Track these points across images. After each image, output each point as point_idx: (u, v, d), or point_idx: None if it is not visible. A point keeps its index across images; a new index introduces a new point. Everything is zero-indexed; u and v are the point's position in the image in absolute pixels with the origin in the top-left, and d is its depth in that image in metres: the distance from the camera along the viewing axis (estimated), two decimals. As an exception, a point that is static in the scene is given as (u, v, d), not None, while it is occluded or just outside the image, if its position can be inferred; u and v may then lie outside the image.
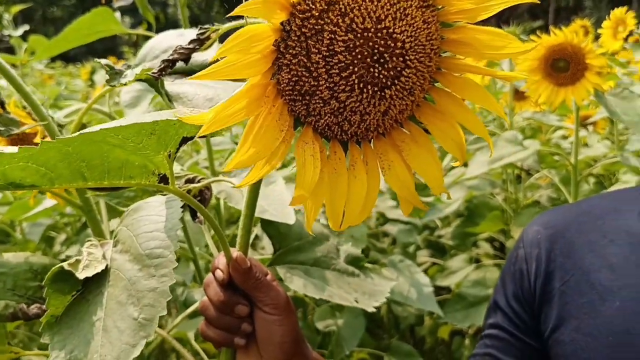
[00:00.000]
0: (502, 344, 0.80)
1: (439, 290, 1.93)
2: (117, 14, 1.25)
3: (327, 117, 0.41)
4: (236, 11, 0.34)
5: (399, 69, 0.40)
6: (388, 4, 0.38)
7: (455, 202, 1.77)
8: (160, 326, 0.53)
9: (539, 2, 0.41)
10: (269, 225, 0.85)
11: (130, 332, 0.46)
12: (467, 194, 1.79)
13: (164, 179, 0.46)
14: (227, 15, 0.35)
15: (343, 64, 0.39)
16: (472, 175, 1.58)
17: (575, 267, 0.74)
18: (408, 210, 0.46)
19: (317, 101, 0.40)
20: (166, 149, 0.42)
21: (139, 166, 0.42)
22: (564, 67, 1.40)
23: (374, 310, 0.84)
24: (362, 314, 1.52)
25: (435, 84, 0.45)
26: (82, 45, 1.29)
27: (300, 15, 0.38)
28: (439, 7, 0.42)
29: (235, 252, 0.62)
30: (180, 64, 0.49)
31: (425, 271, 1.96)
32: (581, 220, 0.79)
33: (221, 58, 0.35)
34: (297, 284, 0.79)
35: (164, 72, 0.48)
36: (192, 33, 0.48)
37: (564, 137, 2.33)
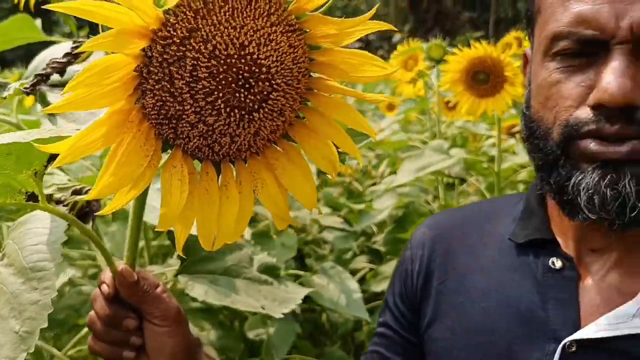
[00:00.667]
0: (389, 341, 0.83)
1: (376, 295, 1.97)
2: (38, 21, 1.23)
3: (196, 139, 0.42)
4: (85, 47, 0.34)
5: (265, 92, 0.42)
6: (252, 30, 0.40)
7: (386, 210, 1.81)
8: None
9: (394, 28, 0.44)
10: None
11: (10, 345, 0.46)
12: (398, 201, 1.82)
13: (34, 197, 0.46)
14: (77, 50, 0.35)
15: (208, 89, 0.40)
16: (401, 183, 1.62)
17: (452, 269, 0.78)
18: (282, 226, 0.48)
19: (185, 125, 0.41)
20: (29, 167, 0.42)
21: (2, 185, 0.42)
22: (484, 79, 1.45)
23: (282, 316, 0.86)
24: (294, 322, 1.53)
25: (307, 104, 0.47)
26: (20, 49, 1.26)
27: (162, 42, 0.39)
28: (306, 30, 0.43)
29: (120, 266, 0.62)
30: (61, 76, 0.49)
31: (363, 277, 1.99)
32: (463, 224, 0.83)
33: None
34: (198, 291, 0.80)
35: (36, 86, 0.47)
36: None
37: (494, 145, 2.41)
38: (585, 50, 0.59)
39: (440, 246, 0.81)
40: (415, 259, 0.82)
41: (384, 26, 0.42)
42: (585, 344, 0.63)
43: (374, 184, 2.37)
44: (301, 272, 1.55)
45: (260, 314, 1.56)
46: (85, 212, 0.57)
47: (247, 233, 1.68)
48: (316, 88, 0.46)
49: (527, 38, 0.73)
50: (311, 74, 0.46)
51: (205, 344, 0.93)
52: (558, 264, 0.68)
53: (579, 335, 0.63)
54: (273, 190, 0.47)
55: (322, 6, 0.42)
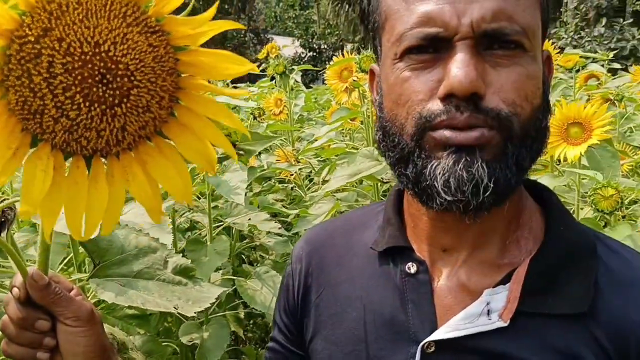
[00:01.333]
0: (278, 356, 0.86)
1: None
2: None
3: (61, 134, 0.44)
4: None
5: (125, 88, 0.44)
6: (106, 30, 0.43)
7: (322, 215, 1.84)
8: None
9: (243, 26, 0.47)
10: (88, 241, 0.87)
11: None
12: (335, 206, 1.86)
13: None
14: None
15: (65, 85, 0.42)
16: (333, 188, 1.67)
17: (326, 281, 0.80)
18: (157, 219, 0.50)
19: (48, 119, 0.44)
20: None
21: None
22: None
23: (195, 315, 0.87)
24: (227, 325, 1.55)
25: (180, 102, 0.50)
26: None
27: (18, 41, 0.41)
28: (167, 32, 0.46)
29: (31, 270, 0.63)
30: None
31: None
32: (335, 236, 0.85)
33: None
34: (108, 294, 0.81)
35: None
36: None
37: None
38: (431, 47, 0.63)
39: (315, 260, 0.83)
40: (295, 274, 0.84)
41: (234, 25, 0.46)
42: (442, 344, 0.66)
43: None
44: (234, 277, 1.58)
45: (193, 319, 1.58)
46: (1, 221, 0.59)
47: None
48: (186, 87, 0.49)
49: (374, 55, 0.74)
50: (181, 73, 0.48)
51: (132, 349, 0.94)
52: (413, 268, 0.72)
53: (434, 336, 0.66)
54: (143, 184, 0.49)
55: (205, 10, 0.45)
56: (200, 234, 1.88)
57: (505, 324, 0.63)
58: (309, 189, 2.52)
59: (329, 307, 0.78)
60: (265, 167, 2.30)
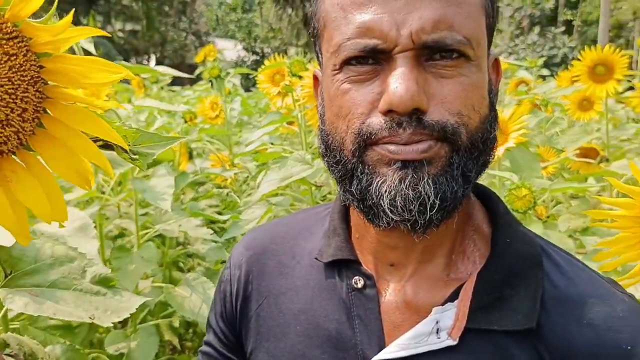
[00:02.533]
0: None
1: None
2: None
3: None
4: None
5: (-21, 100, 0.41)
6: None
7: (254, 220, 1.84)
8: None
9: (107, 33, 0.46)
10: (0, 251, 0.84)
11: None
12: (268, 210, 1.86)
13: None
14: None
15: None
16: (266, 193, 1.67)
17: (268, 291, 0.77)
18: (24, 242, 0.46)
19: None
20: None
21: None
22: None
23: (111, 325, 0.86)
24: (157, 334, 1.52)
25: (49, 113, 0.46)
26: None
27: None
28: (29, 37, 0.43)
29: None
30: None
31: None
32: (277, 241, 0.81)
33: None
34: (17, 304, 0.78)
35: None
36: None
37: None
38: (371, 59, 0.60)
39: (256, 267, 0.79)
40: (233, 281, 0.81)
41: (98, 32, 0.43)
42: None
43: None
44: (163, 285, 1.55)
45: (119, 328, 1.54)
46: None
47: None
48: (54, 96, 0.45)
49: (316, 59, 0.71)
50: (48, 81, 0.45)
51: (43, 358, 0.91)
52: (360, 283, 0.69)
53: (382, 355, 0.64)
54: (5, 206, 0.45)
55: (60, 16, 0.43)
56: (130, 241, 1.85)
57: (455, 343, 0.62)
58: (249, 194, 2.51)
59: (271, 318, 0.75)
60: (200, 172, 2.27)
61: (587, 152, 2.10)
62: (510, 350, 0.61)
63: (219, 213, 2.28)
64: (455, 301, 0.64)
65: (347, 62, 0.61)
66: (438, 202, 0.58)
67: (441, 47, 0.58)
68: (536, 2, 22.25)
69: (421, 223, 0.59)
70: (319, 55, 0.69)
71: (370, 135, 0.59)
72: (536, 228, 1.21)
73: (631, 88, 2.61)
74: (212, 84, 3.10)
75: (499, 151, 1.33)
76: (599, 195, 2.11)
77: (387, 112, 0.58)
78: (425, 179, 0.58)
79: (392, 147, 0.59)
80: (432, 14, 0.57)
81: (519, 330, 0.61)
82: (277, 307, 0.75)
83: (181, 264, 2.47)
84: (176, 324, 2.16)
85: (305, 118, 1.92)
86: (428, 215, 0.58)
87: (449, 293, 0.65)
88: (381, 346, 0.65)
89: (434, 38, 0.58)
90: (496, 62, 0.69)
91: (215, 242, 1.95)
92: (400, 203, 0.58)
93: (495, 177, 1.46)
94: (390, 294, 0.68)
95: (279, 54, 2.17)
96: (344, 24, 0.61)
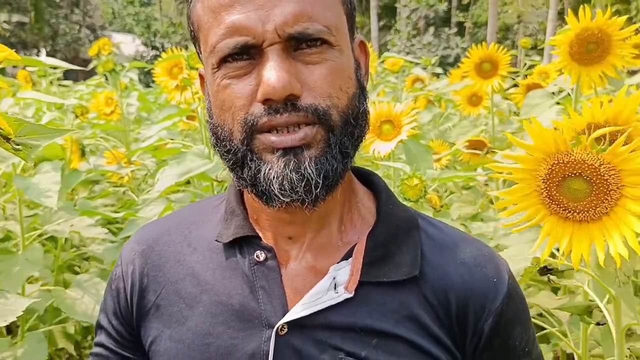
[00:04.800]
0: None
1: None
2: None
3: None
4: None
5: None
6: None
7: (152, 217, 1.78)
8: None
9: None
10: None
11: None
12: (167, 207, 1.82)
13: None
14: None
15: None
16: (162, 189, 1.62)
17: (165, 279, 0.78)
18: None
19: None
20: None
21: None
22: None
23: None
24: (45, 340, 1.44)
25: None
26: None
27: None
28: None
29: None
30: None
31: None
32: (170, 232, 0.83)
33: None
34: None
35: None
36: None
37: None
38: (245, 55, 0.65)
39: (151, 259, 0.80)
40: (126, 277, 0.81)
41: None
42: (295, 324, 0.69)
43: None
44: (52, 287, 1.47)
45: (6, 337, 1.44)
46: None
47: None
48: None
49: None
50: None
51: None
52: (262, 256, 0.74)
53: (286, 318, 0.69)
54: None
55: None
56: (17, 244, 1.73)
57: (351, 295, 0.69)
58: (148, 192, 2.43)
59: (171, 305, 0.76)
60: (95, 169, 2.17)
61: (476, 145, 2.23)
62: (401, 298, 0.71)
63: (116, 212, 2.19)
64: (350, 259, 0.72)
65: (223, 60, 0.66)
66: (321, 180, 0.65)
67: (305, 37, 0.64)
68: (430, 4, 23.26)
69: (309, 200, 0.66)
70: (200, 55, 0.74)
71: (254, 123, 0.65)
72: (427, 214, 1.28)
73: (516, 85, 2.81)
74: (106, 79, 2.97)
75: (393, 143, 1.38)
76: (486, 185, 2.25)
77: (265, 101, 0.64)
78: (307, 162, 0.65)
79: (273, 138, 0.65)
80: (293, 8, 0.64)
81: (405, 279, 0.71)
82: (176, 293, 0.77)
83: (77, 268, 2.35)
84: (71, 330, 2.05)
85: (205, 112, 1.88)
86: (314, 193, 0.65)
87: (343, 254, 0.73)
88: (285, 312, 0.70)
89: (297, 30, 0.64)
90: (363, 45, 0.77)
91: (113, 242, 1.88)
92: (287, 186, 0.64)
93: (391, 168, 1.51)
94: (291, 263, 0.74)
95: (179, 49, 2.12)
96: (215, 26, 0.66)
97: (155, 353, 0.76)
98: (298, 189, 0.64)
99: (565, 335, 1.41)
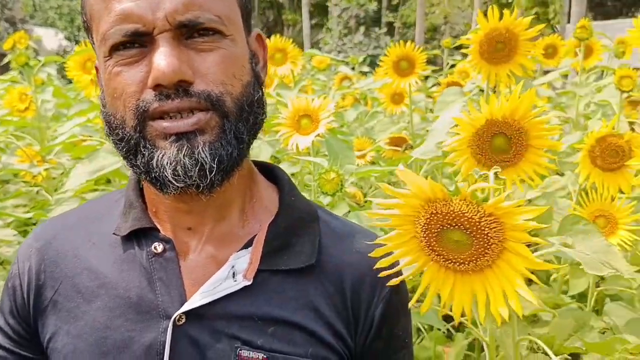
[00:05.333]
0: None
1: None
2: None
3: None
4: None
5: None
6: None
7: (66, 215, 1.71)
8: None
9: None
10: None
11: None
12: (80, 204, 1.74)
13: None
14: None
15: None
16: (73, 188, 1.56)
17: (63, 274, 0.77)
18: None
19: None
20: None
21: None
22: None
23: None
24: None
25: None
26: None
27: None
28: None
29: None
30: None
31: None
32: (68, 228, 0.82)
33: None
34: None
35: None
36: None
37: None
38: (136, 43, 0.65)
39: (48, 255, 0.79)
40: (22, 274, 0.79)
41: None
42: (193, 314, 0.69)
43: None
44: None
45: None
46: None
47: None
48: None
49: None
50: None
51: None
52: (160, 247, 0.73)
53: (184, 307, 0.69)
54: None
55: None
56: None
57: (249, 282, 0.70)
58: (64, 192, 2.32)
59: (68, 300, 0.75)
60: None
61: (397, 141, 2.28)
62: (299, 286, 0.73)
63: (27, 213, 2.09)
64: (249, 248, 0.73)
65: (115, 48, 0.66)
66: (216, 165, 0.65)
67: (196, 25, 0.65)
68: (361, 4, 23.60)
69: (204, 185, 0.66)
70: (93, 45, 0.73)
71: (145, 109, 0.65)
72: (343, 208, 1.30)
73: (439, 84, 2.90)
74: (21, 74, 2.83)
75: (311, 137, 1.39)
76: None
77: (156, 87, 0.64)
78: (200, 147, 0.65)
79: (165, 124, 0.65)
80: None
81: (304, 267, 0.73)
82: (74, 288, 0.76)
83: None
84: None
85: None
86: (209, 178, 0.65)
87: (243, 244, 0.74)
88: (183, 302, 0.70)
89: (188, 18, 0.64)
90: (260, 38, 0.78)
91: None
92: (181, 171, 0.65)
93: (312, 163, 1.52)
94: (191, 254, 0.74)
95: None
96: (105, 14, 0.66)
97: (53, 350, 0.75)
98: (192, 174, 0.65)
99: (476, 325, 1.47)
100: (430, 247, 0.66)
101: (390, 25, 26.21)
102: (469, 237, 0.64)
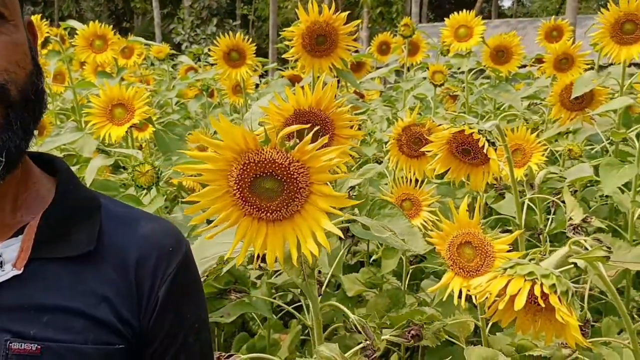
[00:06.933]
0: None
1: None
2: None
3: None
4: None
5: None
6: None
7: None
8: None
9: None
10: None
11: None
12: None
13: None
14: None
15: None
16: None
17: None
18: None
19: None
20: None
21: None
22: None
23: None
24: None
25: None
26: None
27: None
28: None
29: None
30: None
31: None
32: None
33: None
34: None
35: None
36: None
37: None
38: None
39: None
40: None
41: None
42: None
43: None
44: None
45: None
46: None
47: None
48: None
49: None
50: None
51: None
52: None
53: None
54: None
55: None
56: None
57: (20, 272, 0.67)
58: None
59: None
60: None
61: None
62: (77, 273, 0.70)
63: None
64: (20, 236, 0.70)
65: None
66: (5, 159, 0.63)
67: None
68: (213, -6, 23.22)
69: None
70: None
71: None
72: (158, 202, 1.25)
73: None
74: None
75: (125, 128, 1.32)
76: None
77: None
78: None
79: None
80: None
81: (81, 254, 0.71)
82: None
83: None
84: None
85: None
86: None
87: (13, 232, 0.70)
88: None
89: None
90: (31, 25, 0.75)
91: None
92: None
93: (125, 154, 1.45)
94: None
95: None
96: None
97: None
98: None
99: (301, 310, 1.50)
100: (243, 199, 0.70)
101: (245, 17, 26.13)
102: (280, 183, 0.70)
